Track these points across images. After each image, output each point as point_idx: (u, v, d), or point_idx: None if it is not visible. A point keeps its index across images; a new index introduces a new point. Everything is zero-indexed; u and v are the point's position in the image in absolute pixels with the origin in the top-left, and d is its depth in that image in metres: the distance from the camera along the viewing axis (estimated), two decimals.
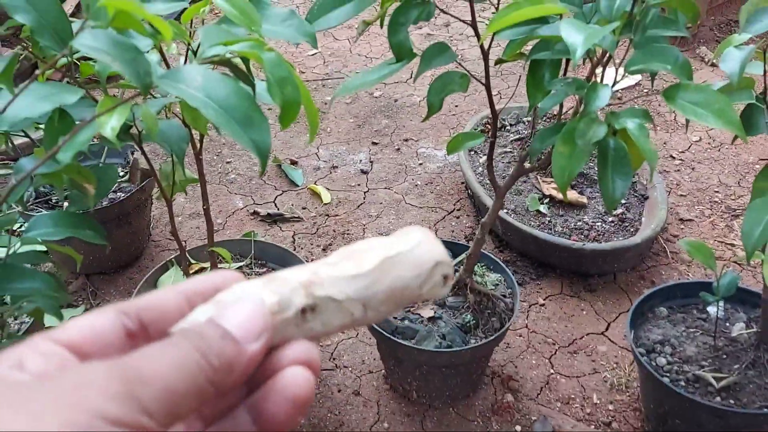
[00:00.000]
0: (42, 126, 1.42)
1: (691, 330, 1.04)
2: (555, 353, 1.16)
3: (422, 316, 1.02)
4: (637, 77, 1.77)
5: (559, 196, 1.30)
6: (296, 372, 0.23)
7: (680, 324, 1.05)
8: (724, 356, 0.98)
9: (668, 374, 0.96)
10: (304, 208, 1.48)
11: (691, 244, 0.95)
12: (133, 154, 1.41)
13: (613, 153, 0.73)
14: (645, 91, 1.75)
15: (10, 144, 0.96)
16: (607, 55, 0.79)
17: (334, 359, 1.15)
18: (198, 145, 0.91)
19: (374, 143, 1.68)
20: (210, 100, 0.52)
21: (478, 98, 1.76)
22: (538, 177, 1.36)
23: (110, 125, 0.68)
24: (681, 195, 1.45)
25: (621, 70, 0.75)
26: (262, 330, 0.23)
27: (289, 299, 0.24)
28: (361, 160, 1.62)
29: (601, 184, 0.73)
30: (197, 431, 0.24)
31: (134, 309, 0.23)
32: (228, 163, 1.64)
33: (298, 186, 1.55)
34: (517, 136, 1.44)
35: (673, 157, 1.56)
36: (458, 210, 1.43)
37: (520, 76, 1.74)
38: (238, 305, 0.24)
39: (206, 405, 0.24)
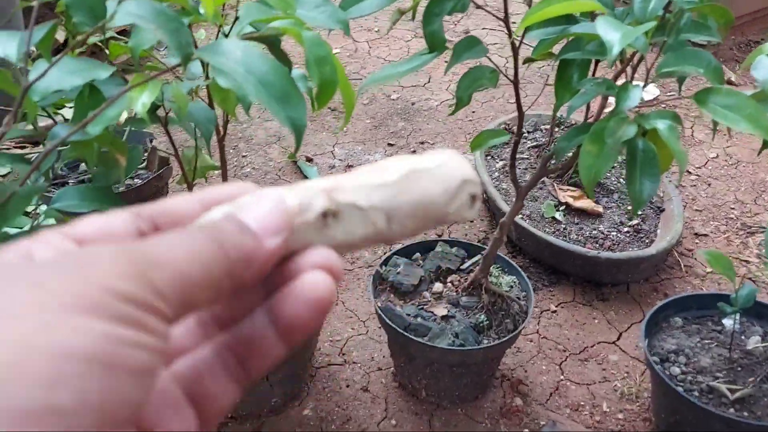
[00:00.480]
0: (60, 111, 1.41)
1: (706, 341, 1.03)
2: (565, 360, 1.15)
3: (435, 314, 1.02)
4: (656, 92, 1.77)
5: (575, 204, 1.30)
6: (317, 276, 0.22)
7: (695, 335, 1.04)
8: (739, 369, 0.97)
9: (682, 384, 0.95)
10: None
11: (711, 255, 0.94)
12: (151, 141, 1.41)
13: (641, 154, 0.73)
14: (663, 106, 1.75)
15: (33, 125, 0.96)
16: (637, 57, 0.79)
17: (343, 354, 1.14)
18: (222, 131, 0.91)
19: (390, 144, 1.68)
20: (249, 74, 0.52)
21: (495, 105, 1.77)
22: (555, 184, 1.35)
23: (141, 101, 0.68)
24: (696, 210, 1.45)
25: (643, 76, 0.75)
26: (282, 227, 0.22)
27: (310, 202, 0.23)
28: (376, 161, 1.62)
29: (629, 185, 0.73)
30: (215, 335, 0.24)
31: (149, 212, 0.23)
32: (243, 156, 1.64)
33: None
34: (535, 143, 1.44)
35: (690, 173, 1.56)
36: None
37: (545, 83, 1.74)
38: (256, 202, 0.23)
39: (222, 303, 0.23)
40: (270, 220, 0.22)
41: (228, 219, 0.22)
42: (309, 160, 1.63)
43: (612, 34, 0.63)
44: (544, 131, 1.47)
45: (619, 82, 0.80)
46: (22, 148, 1.61)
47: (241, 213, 0.22)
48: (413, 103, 1.82)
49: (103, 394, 0.16)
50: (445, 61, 0.73)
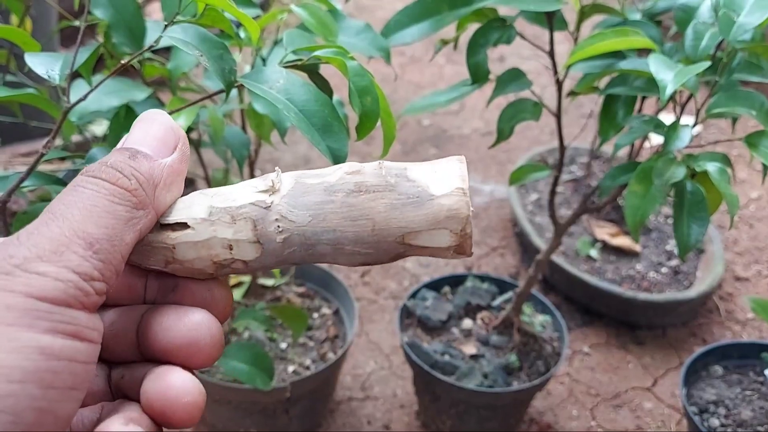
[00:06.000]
0: (86, 130, 1.42)
1: (748, 393, 0.98)
2: (597, 405, 1.11)
3: (464, 353, 0.98)
4: (698, 128, 1.73)
5: (613, 241, 1.26)
6: (184, 384, 0.21)
7: (736, 385, 0.99)
8: None
9: None
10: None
11: (756, 302, 0.90)
12: None
13: (689, 197, 0.70)
14: (702, 143, 1.70)
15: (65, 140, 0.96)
16: (686, 95, 0.76)
17: (365, 389, 1.11)
18: (254, 155, 0.90)
19: None
20: (291, 103, 0.50)
21: (529, 136, 1.74)
22: (591, 220, 1.32)
23: (178, 124, 0.67)
24: (737, 253, 1.40)
25: (688, 115, 0.72)
26: (175, 143, 0.23)
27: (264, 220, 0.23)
28: None
29: (676, 228, 0.69)
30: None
31: None
32: None
33: None
34: (571, 177, 1.40)
35: None
36: (503, 247, 1.40)
37: (589, 115, 1.72)
38: (144, 128, 0.23)
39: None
40: (160, 139, 0.23)
41: (115, 152, 0.22)
42: None
43: (665, 73, 0.61)
44: (580, 164, 1.44)
45: (661, 115, 0.78)
46: (50, 161, 1.62)
47: (128, 140, 0.23)
48: (445, 131, 1.81)
49: (39, 413, 0.17)
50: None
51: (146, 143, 0.23)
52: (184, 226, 0.22)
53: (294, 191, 0.23)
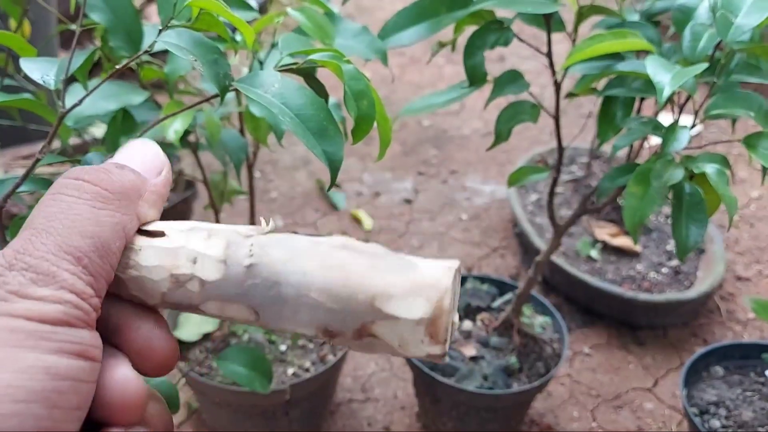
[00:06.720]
0: (85, 133, 1.42)
1: (748, 394, 0.98)
2: (598, 406, 1.10)
3: (464, 354, 0.98)
4: (698, 128, 1.73)
5: (613, 242, 1.25)
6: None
7: (736, 386, 0.99)
8: None
9: None
10: (344, 233, 1.46)
11: (757, 303, 0.90)
12: (179, 161, 1.41)
13: (688, 198, 0.69)
14: (704, 143, 1.70)
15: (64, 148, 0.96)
16: (686, 98, 0.76)
17: (365, 391, 1.11)
18: (252, 158, 0.90)
19: (420, 173, 1.66)
20: (286, 107, 0.50)
21: (529, 136, 1.74)
22: (590, 220, 1.31)
23: (174, 128, 0.67)
24: (738, 252, 1.39)
25: (688, 116, 0.71)
26: (161, 166, 0.23)
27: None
28: (405, 189, 1.60)
29: (675, 230, 0.69)
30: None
31: None
32: (270, 181, 1.64)
33: (339, 210, 1.53)
34: (571, 177, 1.40)
35: None
36: (503, 248, 1.39)
37: (588, 115, 1.72)
38: (135, 149, 0.23)
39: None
40: (150, 163, 0.23)
41: (107, 164, 0.22)
42: (336, 185, 1.62)
43: (662, 75, 0.61)
44: (580, 165, 1.44)
45: (661, 117, 0.77)
46: (49, 164, 1.62)
47: (116, 159, 0.23)
48: (445, 131, 1.81)
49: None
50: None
51: (134, 162, 0.23)
52: (161, 234, 0.22)
53: (281, 236, 0.22)
